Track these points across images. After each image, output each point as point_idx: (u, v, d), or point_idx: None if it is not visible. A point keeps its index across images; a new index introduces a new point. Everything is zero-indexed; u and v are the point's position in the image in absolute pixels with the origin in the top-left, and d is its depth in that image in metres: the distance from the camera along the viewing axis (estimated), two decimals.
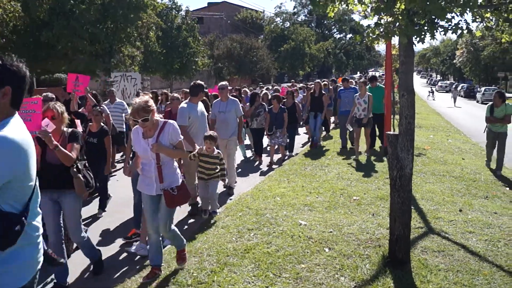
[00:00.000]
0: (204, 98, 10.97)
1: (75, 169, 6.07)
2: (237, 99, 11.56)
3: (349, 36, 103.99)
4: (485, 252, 6.80)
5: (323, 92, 16.73)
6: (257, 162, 14.74)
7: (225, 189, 11.10)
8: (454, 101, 48.82)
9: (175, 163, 6.34)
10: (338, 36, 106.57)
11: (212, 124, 10.65)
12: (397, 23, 5.74)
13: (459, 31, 5.82)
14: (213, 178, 8.93)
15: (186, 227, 8.86)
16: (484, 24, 6.94)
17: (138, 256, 7.38)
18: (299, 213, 8.70)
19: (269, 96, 16.21)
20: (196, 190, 9.61)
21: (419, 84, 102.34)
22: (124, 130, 13.58)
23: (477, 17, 6.48)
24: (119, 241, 8.13)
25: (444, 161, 13.76)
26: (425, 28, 5.73)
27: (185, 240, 6.66)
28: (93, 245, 6.71)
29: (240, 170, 13.51)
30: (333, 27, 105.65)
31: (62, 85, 12.12)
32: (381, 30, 6.07)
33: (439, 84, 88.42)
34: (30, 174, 3.03)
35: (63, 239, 6.26)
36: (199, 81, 10.04)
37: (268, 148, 15.27)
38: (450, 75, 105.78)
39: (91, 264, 6.89)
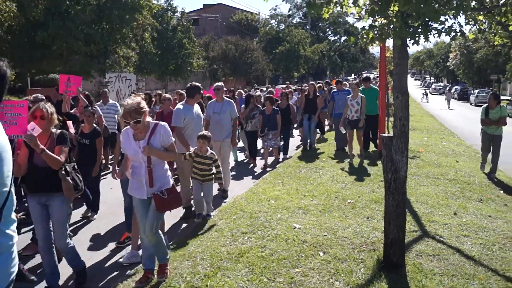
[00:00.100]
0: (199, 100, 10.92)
1: (63, 172, 5.99)
2: (232, 101, 11.51)
3: (343, 38, 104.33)
4: (480, 256, 6.77)
5: (318, 94, 16.66)
6: (251, 165, 14.71)
7: (219, 191, 11.04)
8: (448, 103, 49.04)
9: (166, 165, 6.27)
10: (333, 38, 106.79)
11: (206, 125, 10.58)
12: (391, 25, 5.72)
13: (453, 34, 5.82)
14: (208, 180, 8.84)
15: (179, 230, 8.81)
16: (477, 27, 6.94)
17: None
18: (294, 216, 8.67)
19: (262, 98, 16.13)
20: (190, 193, 9.56)
21: (413, 86, 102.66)
22: (117, 131, 13.53)
23: (470, 19, 6.47)
24: (112, 245, 8.09)
25: (438, 163, 13.76)
26: (419, 30, 5.72)
27: (169, 254, 6.53)
28: (77, 254, 6.46)
29: (234, 173, 13.50)
30: (327, 29, 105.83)
31: (57, 85, 12.05)
32: (376, 32, 6.05)
33: (433, 86, 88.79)
34: (3, 179, 2.84)
35: (53, 244, 6.20)
36: (195, 83, 10.01)
37: (262, 151, 15.20)
38: (444, 78, 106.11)
39: (75, 274, 6.62)
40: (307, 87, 17.83)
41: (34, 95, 10.63)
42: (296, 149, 17.50)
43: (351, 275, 6.13)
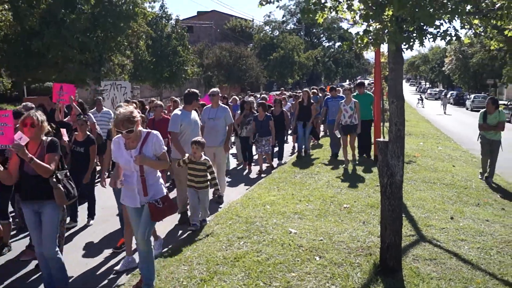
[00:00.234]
0: None
1: (54, 179, 5.95)
2: (227, 107, 11.50)
3: (338, 44, 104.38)
4: (477, 260, 6.76)
5: (312, 101, 16.61)
6: (246, 171, 14.70)
7: (214, 197, 11.01)
8: (444, 108, 48.89)
9: (158, 173, 6.21)
10: (327, 44, 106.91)
11: (201, 131, 10.57)
12: (386, 30, 5.72)
13: (448, 38, 5.82)
14: (203, 188, 8.80)
15: (175, 236, 8.78)
16: (473, 31, 6.94)
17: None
18: (289, 221, 8.66)
19: (255, 104, 16.08)
20: (187, 198, 9.53)
21: (408, 91, 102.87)
22: (107, 139, 13.54)
23: (466, 24, 6.47)
24: (109, 249, 8.08)
25: (435, 168, 13.75)
26: (414, 35, 5.73)
27: (156, 277, 6.42)
28: (64, 268, 6.20)
29: (229, 179, 13.47)
30: (322, 35, 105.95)
31: (51, 94, 12.07)
32: (370, 37, 6.05)
33: (428, 91, 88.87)
34: None
35: None
36: (193, 89, 10.02)
37: (256, 157, 15.17)
38: (439, 83, 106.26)
39: None
40: (301, 93, 17.76)
41: (24, 104, 10.65)
42: (290, 155, 17.46)
43: (347, 279, 6.12)
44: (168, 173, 10.56)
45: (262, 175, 13.74)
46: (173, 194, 10.96)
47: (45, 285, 6.23)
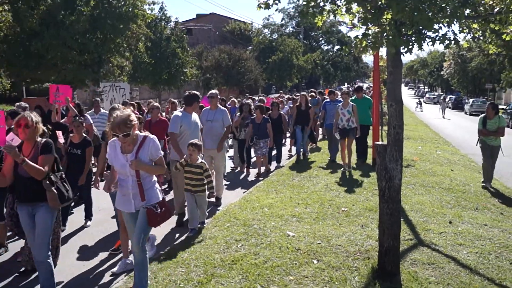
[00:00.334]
0: None
1: (47, 182, 5.88)
2: (226, 109, 11.50)
3: (336, 47, 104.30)
4: (476, 265, 6.75)
5: (310, 105, 16.56)
6: (244, 174, 14.68)
7: (210, 199, 10.99)
8: (443, 113, 48.72)
9: (154, 177, 6.11)
10: (326, 47, 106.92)
11: (201, 133, 10.55)
12: (385, 34, 5.71)
13: (447, 42, 5.81)
14: (201, 192, 8.74)
15: (172, 238, 8.75)
16: (472, 35, 6.94)
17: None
18: (287, 224, 8.64)
19: (252, 106, 16.03)
20: (184, 200, 9.50)
21: (407, 95, 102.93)
22: (102, 141, 13.54)
23: (465, 28, 6.47)
24: (107, 250, 8.06)
25: (433, 172, 13.74)
26: (413, 38, 5.71)
27: (153, 278, 6.40)
28: (52, 274, 6.08)
29: (227, 181, 13.45)
30: (320, 38, 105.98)
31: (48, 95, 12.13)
32: (369, 40, 6.04)
33: (427, 95, 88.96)
34: None
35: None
36: (194, 91, 10.01)
37: (254, 159, 15.15)
38: (438, 87, 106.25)
39: None
40: (299, 97, 17.69)
41: (18, 104, 10.65)
42: (288, 158, 17.43)
43: (345, 283, 6.11)
44: (165, 176, 10.53)
45: (260, 178, 13.72)
46: (169, 196, 10.97)
47: (42, 286, 6.19)
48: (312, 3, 6.27)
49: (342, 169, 13.75)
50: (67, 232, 9.15)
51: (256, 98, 22.34)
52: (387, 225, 6.14)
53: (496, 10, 6.11)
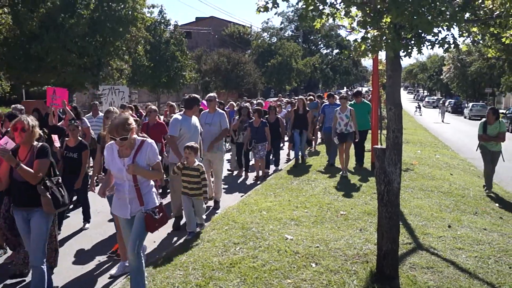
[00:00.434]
0: None
1: (42, 186, 5.82)
2: (224, 112, 11.49)
3: (335, 51, 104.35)
4: (475, 269, 6.73)
5: (307, 108, 16.52)
6: (242, 177, 14.67)
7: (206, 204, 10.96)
8: (442, 117, 48.63)
9: (151, 182, 6.04)
10: (325, 51, 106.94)
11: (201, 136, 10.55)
12: (384, 37, 5.70)
13: (446, 46, 5.80)
14: (198, 195, 8.68)
15: (171, 241, 8.73)
16: (471, 39, 6.93)
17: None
18: (286, 227, 8.63)
19: (250, 109, 15.95)
20: (181, 204, 9.48)
21: (406, 99, 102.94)
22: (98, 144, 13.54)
23: (464, 31, 6.46)
24: (105, 253, 8.04)
25: (432, 176, 13.72)
26: (412, 42, 5.71)
27: (151, 281, 6.38)
28: (44, 280, 5.90)
29: (226, 184, 13.43)
30: (319, 42, 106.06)
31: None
32: (368, 44, 6.03)
33: (426, 99, 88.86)
34: None
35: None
36: (194, 95, 10.01)
37: (252, 162, 15.12)
38: (437, 91, 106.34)
39: None
40: (296, 101, 17.61)
41: (14, 106, 10.63)
42: (286, 162, 17.38)
43: (343, 286, 6.10)
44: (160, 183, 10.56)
45: (258, 182, 13.70)
46: (165, 200, 10.96)
47: None
48: (311, 7, 6.26)
49: (341, 173, 13.71)
50: (65, 234, 9.15)
51: (255, 102, 22.28)
52: (386, 228, 6.13)
53: (496, 14, 6.10)
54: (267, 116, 15.41)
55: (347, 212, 9.61)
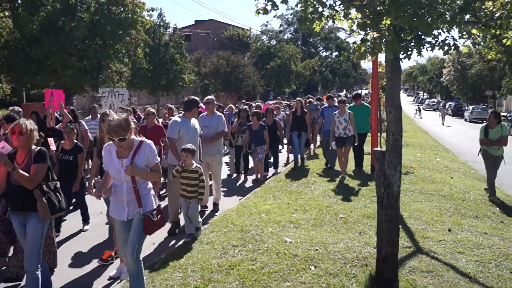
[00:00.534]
0: None
1: (39, 191, 5.77)
2: (222, 115, 11.45)
3: (335, 54, 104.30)
4: (475, 274, 6.70)
5: (306, 110, 16.46)
6: (241, 180, 14.64)
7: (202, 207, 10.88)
8: (443, 120, 48.46)
9: (150, 184, 5.94)
10: (324, 54, 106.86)
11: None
12: (384, 39, 5.67)
13: (446, 48, 5.77)
14: (194, 197, 8.62)
15: (170, 243, 8.70)
16: (471, 41, 6.90)
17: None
18: (285, 230, 8.61)
19: (249, 112, 15.87)
20: (178, 208, 9.43)
21: (406, 102, 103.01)
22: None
23: (464, 33, 6.43)
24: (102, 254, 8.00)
25: (432, 179, 13.68)
26: (412, 44, 5.68)
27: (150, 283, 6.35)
28: (38, 286, 5.84)
29: (225, 187, 13.39)
30: (319, 45, 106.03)
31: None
32: (368, 46, 6.00)
33: (426, 102, 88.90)
34: None
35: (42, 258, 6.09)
36: (193, 97, 9.97)
37: (252, 164, 15.08)
38: (437, 93, 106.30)
39: None
40: (294, 103, 17.53)
41: (11, 108, 10.62)
42: (284, 166, 17.29)
43: None
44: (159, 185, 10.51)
45: (257, 184, 13.66)
46: (164, 202, 10.92)
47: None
48: (311, 9, 6.24)
49: (340, 176, 13.66)
50: (64, 236, 9.16)
51: (253, 105, 22.23)
52: (386, 231, 6.10)
53: (496, 15, 6.07)
54: (264, 118, 15.33)
55: (346, 215, 9.59)
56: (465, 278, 6.51)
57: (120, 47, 27.89)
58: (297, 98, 17.82)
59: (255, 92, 63.39)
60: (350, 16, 6.37)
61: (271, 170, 15.56)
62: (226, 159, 15.90)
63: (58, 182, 6.24)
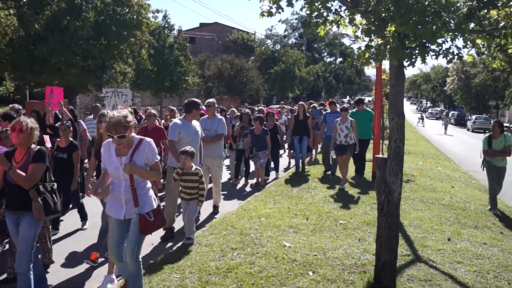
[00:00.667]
0: None
1: (35, 191, 5.73)
2: (223, 118, 11.44)
3: (339, 60, 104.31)
4: (473, 284, 6.68)
5: (308, 115, 16.42)
6: (242, 183, 14.62)
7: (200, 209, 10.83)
8: (445, 129, 48.20)
9: (149, 184, 5.84)
10: (329, 59, 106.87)
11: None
12: (388, 46, 5.67)
13: (450, 56, 5.75)
14: (194, 199, 8.57)
15: (168, 244, 8.67)
16: (476, 50, 6.89)
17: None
18: (284, 234, 8.59)
19: (251, 116, 15.80)
20: (174, 214, 9.37)
21: (409, 110, 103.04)
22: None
23: (469, 42, 6.42)
24: (102, 253, 7.96)
25: (433, 188, 13.65)
26: (416, 51, 5.67)
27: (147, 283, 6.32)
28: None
29: (225, 190, 13.37)
30: (323, 50, 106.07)
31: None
32: (372, 52, 5.99)
33: (429, 111, 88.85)
34: None
35: (38, 256, 6.07)
36: (194, 99, 9.94)
37: (252, 168, 15.05)
38: (441, 102, 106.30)
39: None
40: (297, 107, 17.45)
41: (11, 105, 10.62)
42: (284, 171, 17.22)
43: None
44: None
45: (258, 188, 13.64)
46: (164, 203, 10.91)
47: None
48: (316, 13, 6.24)
49: (340, 184, 13.57)
50: (62, 234, 9.16)
51: (256, 109, 22.18)
52: (385, 239, 6.08)
53: (501, 24, 6.06)
54: (264, 122, 15.26)
55: (346, 222, 9.57)
56: None
57: (125, 47, 27.91)
58: (300, 102, 17.73)
59: (258, 96, 63.39)
60: (354, 22, 6.36)
61: (272, 174, 15.53)
62: (226, 162, 15.88)
63: (56, 184, 6.20)
